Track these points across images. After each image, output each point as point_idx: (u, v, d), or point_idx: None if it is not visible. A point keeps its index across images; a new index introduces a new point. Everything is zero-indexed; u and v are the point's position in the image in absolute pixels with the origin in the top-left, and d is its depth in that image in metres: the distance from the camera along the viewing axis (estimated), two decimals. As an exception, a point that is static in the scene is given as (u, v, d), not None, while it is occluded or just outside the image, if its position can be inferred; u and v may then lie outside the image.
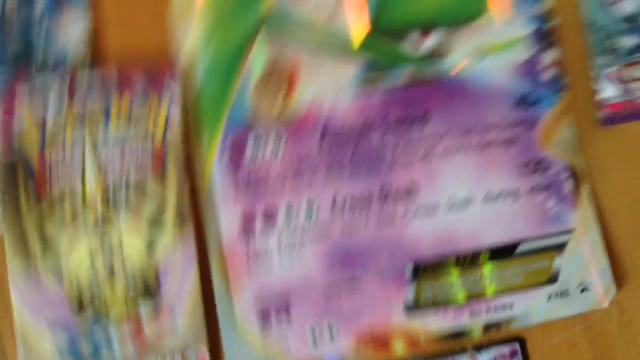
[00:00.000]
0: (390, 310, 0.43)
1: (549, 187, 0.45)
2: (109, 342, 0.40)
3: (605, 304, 0.44)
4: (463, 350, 0.43)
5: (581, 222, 0.44)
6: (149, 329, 0.40)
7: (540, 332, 0.44)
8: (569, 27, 0.46)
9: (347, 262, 0.43)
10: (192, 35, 0.42)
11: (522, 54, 0.45)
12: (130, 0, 0.43)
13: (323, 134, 0.43)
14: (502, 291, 0.44)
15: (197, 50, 0.42)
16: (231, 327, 0.42)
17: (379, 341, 0.42)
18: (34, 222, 0.40)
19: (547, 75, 0.45)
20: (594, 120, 0.46)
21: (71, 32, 0.41)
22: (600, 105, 0.45)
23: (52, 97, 0.40)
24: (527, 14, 0.45)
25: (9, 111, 0.40)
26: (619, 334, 0.44)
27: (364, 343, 0.42)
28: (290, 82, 0.43)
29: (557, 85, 0.45)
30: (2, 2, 0.40)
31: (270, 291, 0.42)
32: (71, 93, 0.40)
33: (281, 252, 0.42)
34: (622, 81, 0.45)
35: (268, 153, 0.42)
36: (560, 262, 0.44)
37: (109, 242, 0.40)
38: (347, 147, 0.43)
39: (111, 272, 0.40)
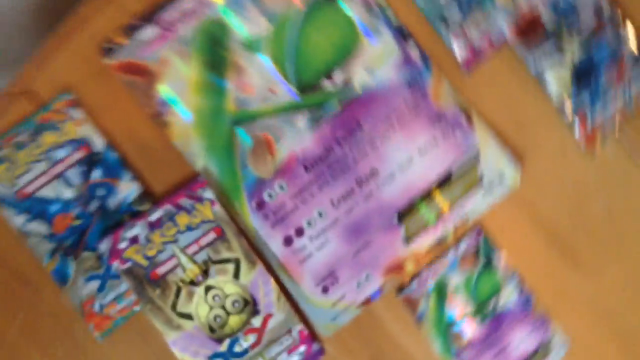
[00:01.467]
0: (395, 248, 0.66)
1: (453, 125, 0.67)
2: (242, 348, 0.64)
3: (518, 179, 0.68)
4: (448, 249, 0.67)
5: (480, 136, 0.67)
6: (262, 330, 0.64)
7: (488, 217, 0.68)
8: (415, 23, 0.67)
9: (357, 233, 0.66)
10: (197, 154, 0.64)
11: (396, 56, 0.67)
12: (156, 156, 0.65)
13: (305, 167, 0.65)
14: (453, 204, 0.67)
15: (206, 161, 0.64)
16: (307, 303, 0.65)
17: (397, 269, 0.66)
18: (168, 306, 0.63)
19: (418, 61, 0.67)
20: (460, 72, 0.68)
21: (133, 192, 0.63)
22: (459, 60, 0.68)
23: (139, 230, 0.63)
24: (386, 31, 0.67)
25: (118, 252, 0.63)
26: (535, 190, 0.69)
27: (389, 275, 0.66)
28: (269, 147, 0.65)
29: (426, 62, 0.67)
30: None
31: (320, 271, 0.66)
32: (150, 224, 0.63)
33: (314, 247, 0.66)
34: (464, 41, 0.67)
35: (278, 194, 0.65)
36: (481, 167, 0.67)
37: (214, 292, 0.64)
38: (323, 166, 0.66)
39: (222, 305, 0.64)
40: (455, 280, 0.67)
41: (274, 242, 0.65)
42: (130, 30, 0.64)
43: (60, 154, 0.63)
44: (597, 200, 0.69)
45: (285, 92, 0.66)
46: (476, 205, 0.68)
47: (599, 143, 0.69)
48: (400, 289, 0.67)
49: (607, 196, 0.69)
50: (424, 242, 0.67)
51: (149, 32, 0.64)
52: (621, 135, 0.69)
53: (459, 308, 0.67)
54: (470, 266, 0.68)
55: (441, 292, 0.67)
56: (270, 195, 0.65)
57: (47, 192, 0.63)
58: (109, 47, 0.64)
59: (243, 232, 0.65)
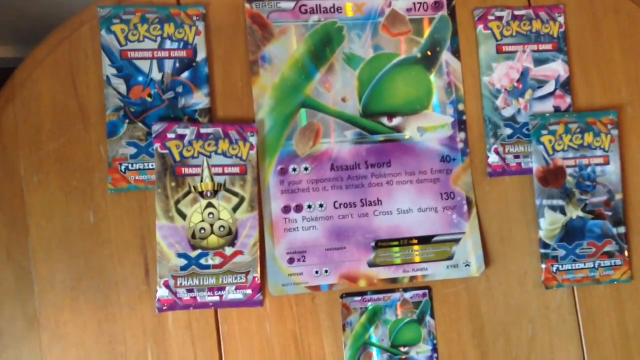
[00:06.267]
0: (360, 264, 0.79)
1: (454, 208, 0.80)
2: (206, 263, 0.76)
3: (478, 274, 0.80)
4: (397, 290, 0.79)
5: (469, 228, 0.80)
6: (229, 259, 0.76)
7: (440, 285, 0.80)
8: (474, 120, 0.82)
9: (339, 236, 0.78)
10: (263, 108, 0.78)
11: (446, 132, 0.80)
12: (233, 90, 0.78)
13: (332, 166, 0.79)
14: (422, 261, 0.80)
15: (266, 116, 0.78)
16: (272, 261, 0.77)
17: (352, 279, 0.78)
18: (173, 199, 0.75)
19: (459, 146, 0.81)
20: (485, 173, 0.81)
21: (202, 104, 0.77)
22: (488, 165, 0.81)
23: (189, 132, 0.76)
24: (451, 110, 0.81)
25: (164, 138, 0.76)
26: (484, 292, 0.81)
27: (343, 279, 0.78)
28: (316, 135, 0.78)
29: (464, 151, 0.81)
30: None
31: (295, 246, 0.78)
32: (198, 133, 0.76)
33: (302, 226, 0.78)
34: (501, 153, 0.81)
35: (301, 172, 0.78)
36: (455, 248, 0.80)
37: (212, 210, 0.76)
38: (344, 174, 0.79)
39: (211, 226, 0.76)
40: (389, 315, 0.79)
41: (275, 204, 0.78)
42: (275, -6, 0.79)
43: (171, 44, 0.77)
44: (525, 324, 0.81)
45: (352, 107, 0.79)
46: (437, 271, 0.80)
47: (555, 285, 0.81)
48: (346, 294, 0.79)
49: (536, 323, 0.81)
50: (383, 273, 0.79)
51: (287, 4, 0.79)
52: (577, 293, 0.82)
53: (380, 337, 0.79)
54: (406, 312, 0.79)
55: (373, 316, 0.79)
56: (294, 169, 0.78)
57: (142, 65, 0.77)
58: (253, -5, 0.78)
59: (259, 182, 0.77)
